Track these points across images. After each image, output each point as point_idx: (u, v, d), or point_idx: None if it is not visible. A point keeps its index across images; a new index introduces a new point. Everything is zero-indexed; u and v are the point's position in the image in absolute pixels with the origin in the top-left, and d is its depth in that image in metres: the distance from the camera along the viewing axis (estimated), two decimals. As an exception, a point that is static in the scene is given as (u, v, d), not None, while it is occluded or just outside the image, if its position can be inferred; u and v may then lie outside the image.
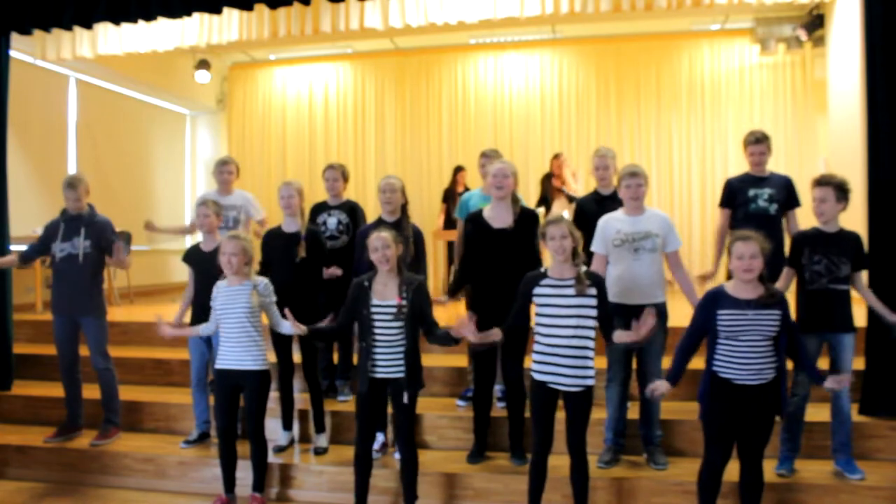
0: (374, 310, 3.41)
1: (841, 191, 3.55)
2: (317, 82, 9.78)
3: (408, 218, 4.20)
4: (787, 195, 4.20)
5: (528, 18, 5.92)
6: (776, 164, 8.19)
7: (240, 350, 3.63)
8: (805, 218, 4.06)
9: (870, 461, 3.75)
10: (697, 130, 8.72)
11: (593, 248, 3.85)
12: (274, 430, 4.24)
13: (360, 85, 9.65)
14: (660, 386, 3.13)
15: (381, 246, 3.40)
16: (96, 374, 4.42)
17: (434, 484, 3.82)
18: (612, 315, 3.27)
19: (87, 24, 5.28)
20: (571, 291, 3.15)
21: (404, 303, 3.38)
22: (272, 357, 3.96)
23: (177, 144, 9.97)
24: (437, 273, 7.41)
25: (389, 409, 3.63)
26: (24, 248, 4.73)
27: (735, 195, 4.28)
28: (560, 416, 3.23)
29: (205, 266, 4.03)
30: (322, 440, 4.23)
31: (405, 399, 3.40)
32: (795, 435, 3.65)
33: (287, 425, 4.27)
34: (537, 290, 3.21)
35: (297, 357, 4.27)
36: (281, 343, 4.20)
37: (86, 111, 8.17)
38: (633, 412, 3.95)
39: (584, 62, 9.06)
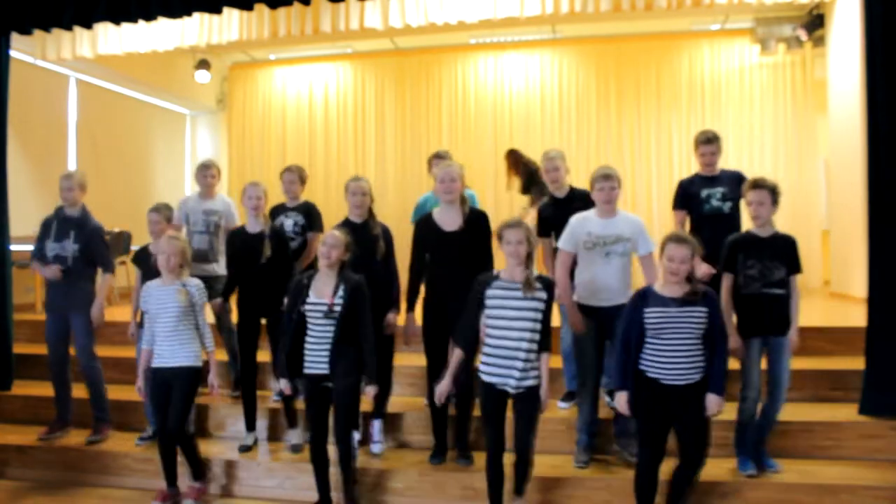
0: (308, 307, 3.47)
1: (775, 194, 3.56)
2: (317, 82, 9.78)
3: (374, 218, 4.17)
4: (740, 191, 4.11)
5: (528, 18, 5.92)
6: (777, 164, 8.29)
7: (173, 347, 3.72)
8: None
9: (870, 461, 3.75)
10: (697, 130, 8.68)
11: (559, 244, 3.84)
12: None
13: (360, 85, 9.65)
14: (620, 401, 3.15)
15: (330, 244, 3.48)
16: (83, 372, 4.43)
17: (434, 484, 3.82)
18: (549, 325, 3.25)
19: (87, 24, 5.29)
20: (521, 294, 3.16)
21: (336, 302, 3.43)
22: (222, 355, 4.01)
23: (177, 144, 9.97)
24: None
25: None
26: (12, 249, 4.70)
27: (688, 197, 4.28)
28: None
29: (154, 268, 4.07)
30: (294, 437, 4.24)
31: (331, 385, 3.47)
32: (747, 438, 3.61)
33: (250, 426, 4.28)
34: (489, 292, 3.23)
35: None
36: (245, 341, 4.25)
37: (86, 111, 8.17)
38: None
39: (584, 62, 9.05)
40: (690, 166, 8.71)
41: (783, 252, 3.57)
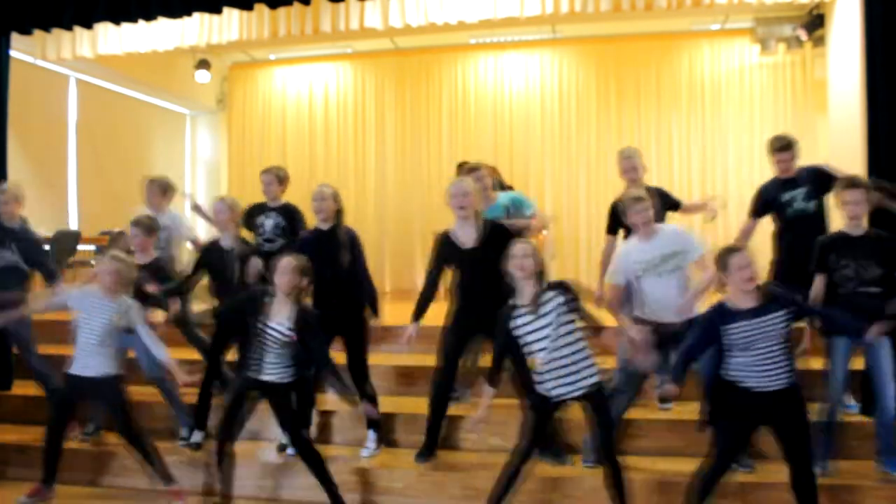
0: (264, 327, 3.49)
1: (870, 191, 3.53)
2: (317, 82, 9.78)
3: (341, 224, 4.14)
4: (822, 183, 4.00)
5: (528, 18, 5.91)
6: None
7: (89, 358, 3.68)
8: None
9: (870, 461, 3.74)
10: (697, 130, 8.72)
11: (607, 278, 3.85)
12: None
13: (360, 85, 9.65)
14: (669, 390, 3.14)
15: (282, 271, 3.47)
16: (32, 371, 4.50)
17: (433, 484, 3.82)
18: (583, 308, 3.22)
19: (87, 24, 5.29)
20: (534, 316, 3.14)
21: (288, 333, 3.47)
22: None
23: (177, 144, 9.98)
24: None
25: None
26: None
27: (769, 203, 4.16)
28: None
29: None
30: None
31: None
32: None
33: (201, 424, 4.28)
34: (513, 324, 3.19)
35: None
36: (216, 347, 4.27)
37: (86, 111, 8.17)
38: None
39: (584, 62, 9.05)
40: (690, 166, 8.74)
41: (877, 250, 3.52)
